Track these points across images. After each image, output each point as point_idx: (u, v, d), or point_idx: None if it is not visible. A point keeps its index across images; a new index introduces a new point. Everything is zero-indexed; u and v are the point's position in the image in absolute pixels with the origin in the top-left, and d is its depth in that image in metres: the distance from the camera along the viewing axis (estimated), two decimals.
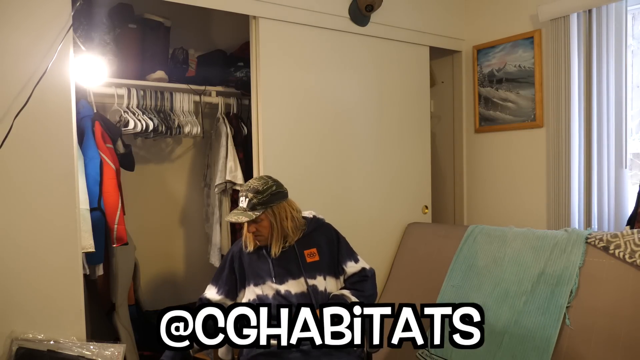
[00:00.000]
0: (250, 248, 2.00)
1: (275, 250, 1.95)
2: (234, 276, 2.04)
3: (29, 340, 1.81)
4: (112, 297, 2.46)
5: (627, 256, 2.10)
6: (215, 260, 2.83)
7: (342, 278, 2.05)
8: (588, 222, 2.65)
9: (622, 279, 2.09)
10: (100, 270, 2.24)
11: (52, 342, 1.83)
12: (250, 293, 1.98)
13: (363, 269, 2.06)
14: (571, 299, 2.16)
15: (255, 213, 1.89)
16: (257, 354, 1.83)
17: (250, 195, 1.90)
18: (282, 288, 1.94)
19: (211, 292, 2.03)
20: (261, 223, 1.94)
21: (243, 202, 1.91)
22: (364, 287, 2.02)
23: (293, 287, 1.94)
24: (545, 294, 2.24)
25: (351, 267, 2.05)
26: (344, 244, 2.09)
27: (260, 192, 1.92)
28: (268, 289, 1.94)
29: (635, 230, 2.16)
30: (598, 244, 2.22)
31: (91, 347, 1.88)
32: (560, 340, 2.11)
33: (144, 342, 2.73)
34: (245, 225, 1.95)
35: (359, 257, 2.10)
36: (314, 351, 1.81)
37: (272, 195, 1.92)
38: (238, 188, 2.73)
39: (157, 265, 3.03)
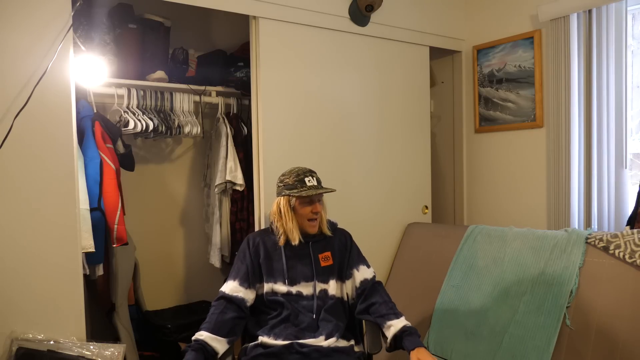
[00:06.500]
0: (296, 241, 1.97)
1: (325, 229, 2.04)
2: (255, 266, 1.99)
3: (29, 340, 1.81)
4: (112, 297, 2.47)
5: (627, 256, 2.10)
6: (216, 261, 2.83)
7: (348, 282, 2.03)
8: (588, 222, 2.65)
9: (622, 279, 2.09)
10: (100, 271, 2.24)
11: (52, 342, 1.83)
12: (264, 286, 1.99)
13: (374, 277, 2.06)
14: (571, 299, 2.16)
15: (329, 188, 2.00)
16: (257, 354, 1.83)
17: (315, 174, 2.00)
18: (294, 289, 1.95)
19: (232, 285, 1.94)
20: (321, 202, 2.03)
21: (312, 181, 1.96)
22: (390, 304, 1.97)
23: (304, 289, 1.96)
24: (545, 294, 2.24)
25: (364, 271, 2.04)
26: (356, 249, 2.10)
27: (316, 173, 2.03)
28: (280, 287, 1.95)
29: (635, 231, 2.16)
30: (598, 244, 2.22)
31: (91, 347, 1.88)
32: (560, 340, 2.11)
33: (144, 342, 2.73)
34: (316, 205, 1.98)
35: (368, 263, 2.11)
36: (314, 352, 1.81)
37: None
38: (238, 188, 2.73)
39: (157, 265, 3.03)
